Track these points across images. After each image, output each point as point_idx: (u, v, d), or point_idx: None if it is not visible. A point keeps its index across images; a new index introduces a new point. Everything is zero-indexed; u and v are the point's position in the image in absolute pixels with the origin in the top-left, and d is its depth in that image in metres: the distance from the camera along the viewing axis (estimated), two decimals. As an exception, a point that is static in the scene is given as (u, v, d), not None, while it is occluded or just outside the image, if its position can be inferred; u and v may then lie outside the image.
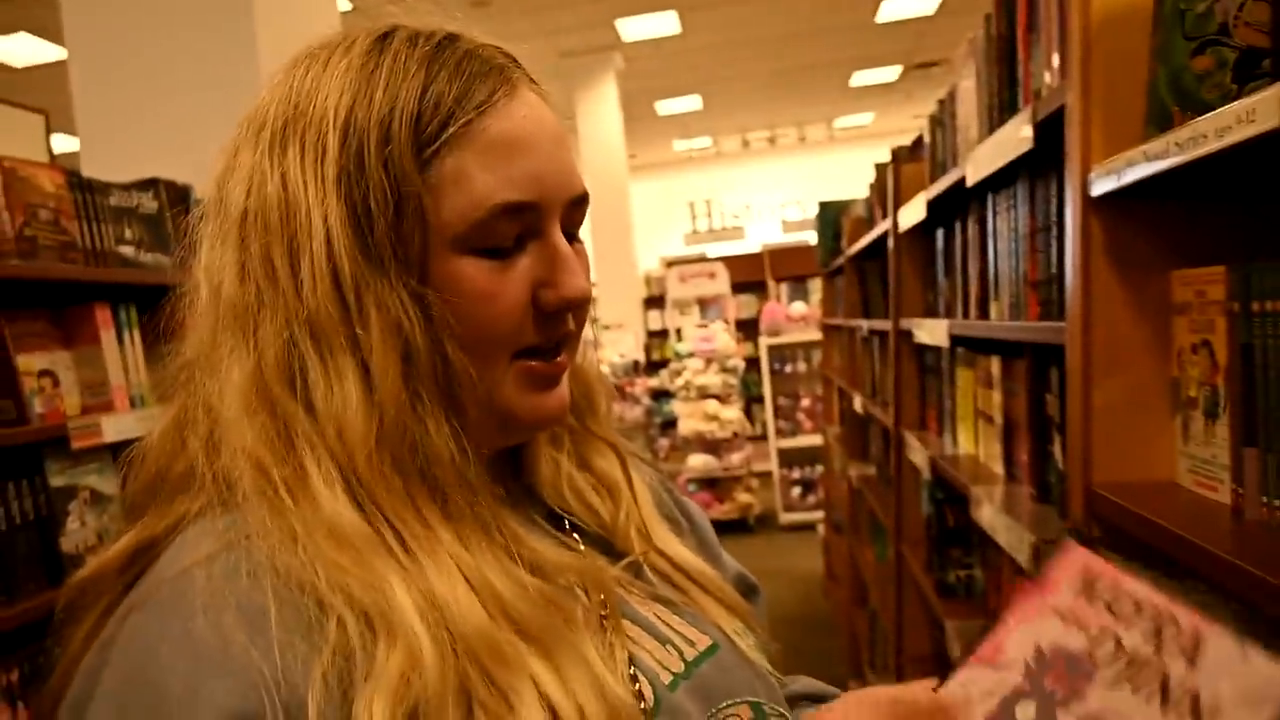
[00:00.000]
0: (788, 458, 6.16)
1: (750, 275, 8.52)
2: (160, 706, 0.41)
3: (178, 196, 1.87)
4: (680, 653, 0.57)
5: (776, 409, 6.35)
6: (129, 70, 2.14)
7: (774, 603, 3.50)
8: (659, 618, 0.58)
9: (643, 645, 0.55)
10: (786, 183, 12.66)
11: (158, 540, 0.50)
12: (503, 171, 0.51)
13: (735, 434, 6.05)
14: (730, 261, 7.96)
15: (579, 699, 0.46)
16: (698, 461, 6.03)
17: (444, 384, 0.50)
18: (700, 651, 0.58)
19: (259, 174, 0.50)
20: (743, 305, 8.45)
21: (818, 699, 0.71)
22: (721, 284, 7.31)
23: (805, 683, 0.74)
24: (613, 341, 7.12)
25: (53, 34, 5.71)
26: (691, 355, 6.28)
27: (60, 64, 2.19)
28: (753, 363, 6.92)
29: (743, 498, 6.03)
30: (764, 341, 6.30)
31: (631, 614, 0.57)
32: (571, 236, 0.56)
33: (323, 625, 0.43)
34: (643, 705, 0.51)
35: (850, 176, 10.54)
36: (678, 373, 6.31)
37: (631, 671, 0.53)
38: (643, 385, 6.89)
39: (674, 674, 0.55)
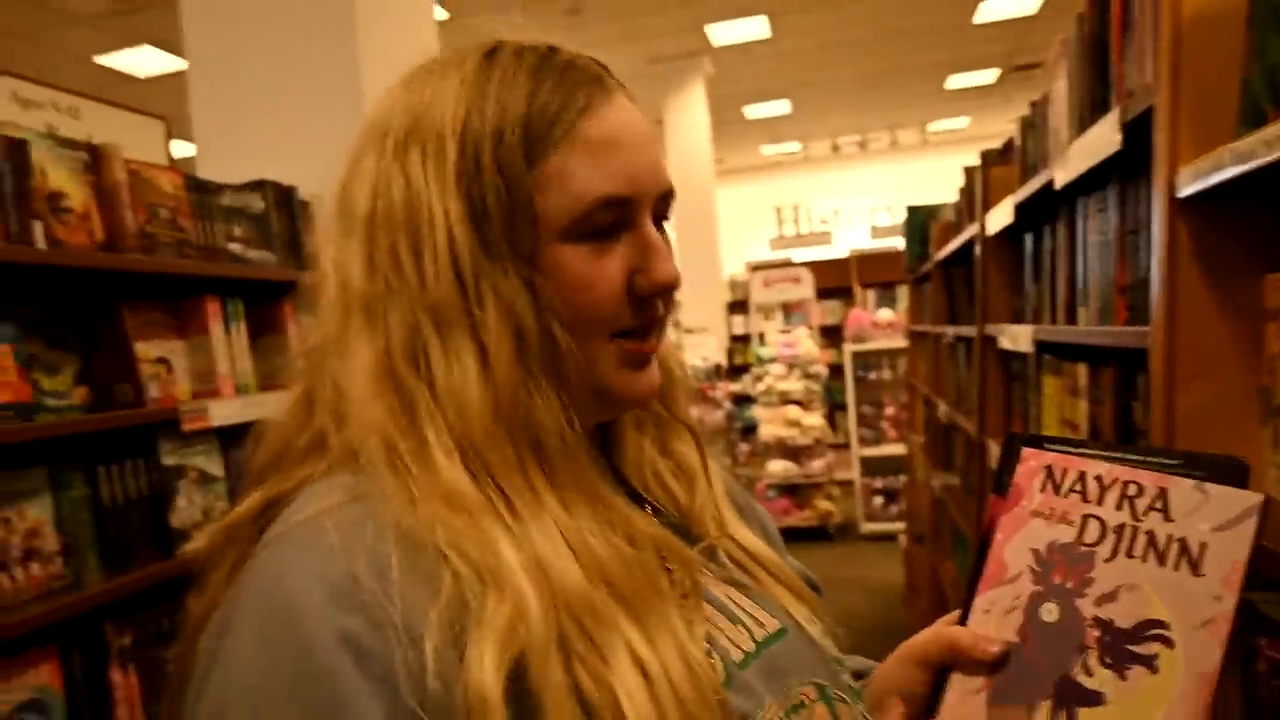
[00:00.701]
0: (870, 466, 6.05)
1: (836, 281, 8.41)
2: (296, 624, 0.45)
3: (283, 197, 1.98)
4: (751, 633, 0.59)
5: (860, 417, 6.25)
6: (242, 81, 2.27)
7: (853, 612, 3.49)
8: (731, 599, 0.61)
9: (716, 624, 0.58)
10: (877, 188, 12.44)
11: (286, 495, 0.54)
12: (602, 168, 0.56)
13: (817, 441, 5.98)
14: (816, 267, 7.86)
15: (665, 660, 0.49)
16: (778, 467, 5.98)
17: (552, 362, 0.55)
18: (770, 633, 0.60)
19: (384, 177, 0.56)
20: (828, 311, 8.35)
21: (868, 674, 0.72)
22: (806, 289, 7.24)
23: (858, 661, 0.75)
24: (695, 345, 7.13)
25: (174, 47, 6.07)
26: (774, 360, 6.24)
27: (180, 75, 2.34)
28: (837, 369, 6.83)
29: (823, 505, 5.96)
30: (848, 348, 6.22)
31: (707, 594, 0.60)
32: (659, 227, 0.60)
33: (439, 577, 0.47)
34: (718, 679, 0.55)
35: (943, 181, 10.32)
36: (759, 378, 6.28)
37: (706, 648, 0.55)
38: (724, 389, 6.88)
39: (745, 652, 0.57)
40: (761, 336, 7.00)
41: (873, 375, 6.28)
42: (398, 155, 0.56)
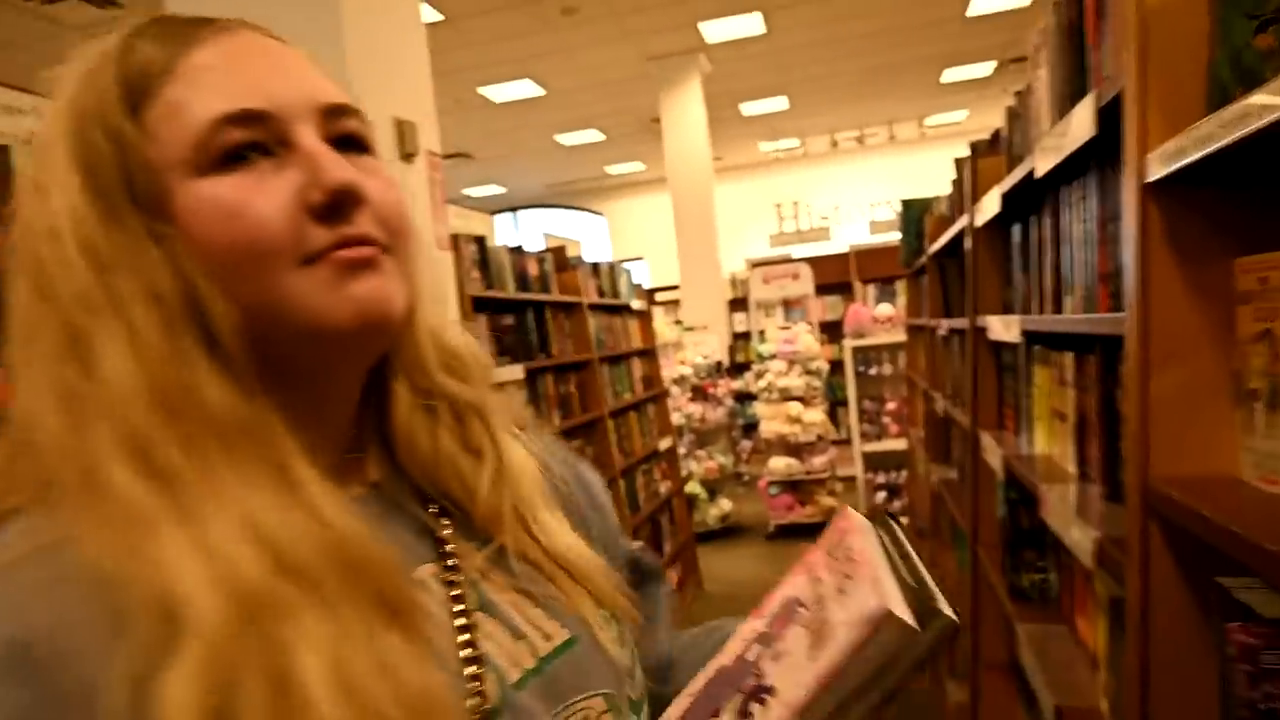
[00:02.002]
0: (872, 462, 6.05)
1: (836, 277, 8.41)
2: None
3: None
4: (534, 648, 0.56)
5: (861, 412, 6.24)
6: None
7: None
8: (517, 609, 0.57)
9: (495, 639, 0.55)
10: (875, 182, 12.44)
11: None
12: (218, 88, 0.51)
13: (819, 437, 5.98)
14: (816, 263, 7.87)
15: (359, 672, 0.44)
16: (780, 464, 5.98)
17: (202, 326, 0.49)
18: (557, 645, 0.57)
19: (19, 196, 0.51)
20: (828, 307, 8.35)
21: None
22: (805, 285, 7.24)
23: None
24: (696, 343, 7.14)
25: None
26: (774, 357, 6.23)
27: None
28: (838, 365, 6.82)
29: (825, 501, 5.95)
30: (848, 344, 6.21)
31: (488, 605, 0.56)
32: (352, 147, 0.54)
33: (126, 616, 0.42)
34: (486, 704, 0.51)
35: (941, 175, 10.30)
36: (760, 375, 6.28)
37: (475, 670, 0.52)
38: (726, 387, 6.88)
39: (525, 670, 0.54)
40: (762, 334, 7.00)
41: (873, 370, 6.28)
42: (28, 169, 0.52)
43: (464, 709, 0.50)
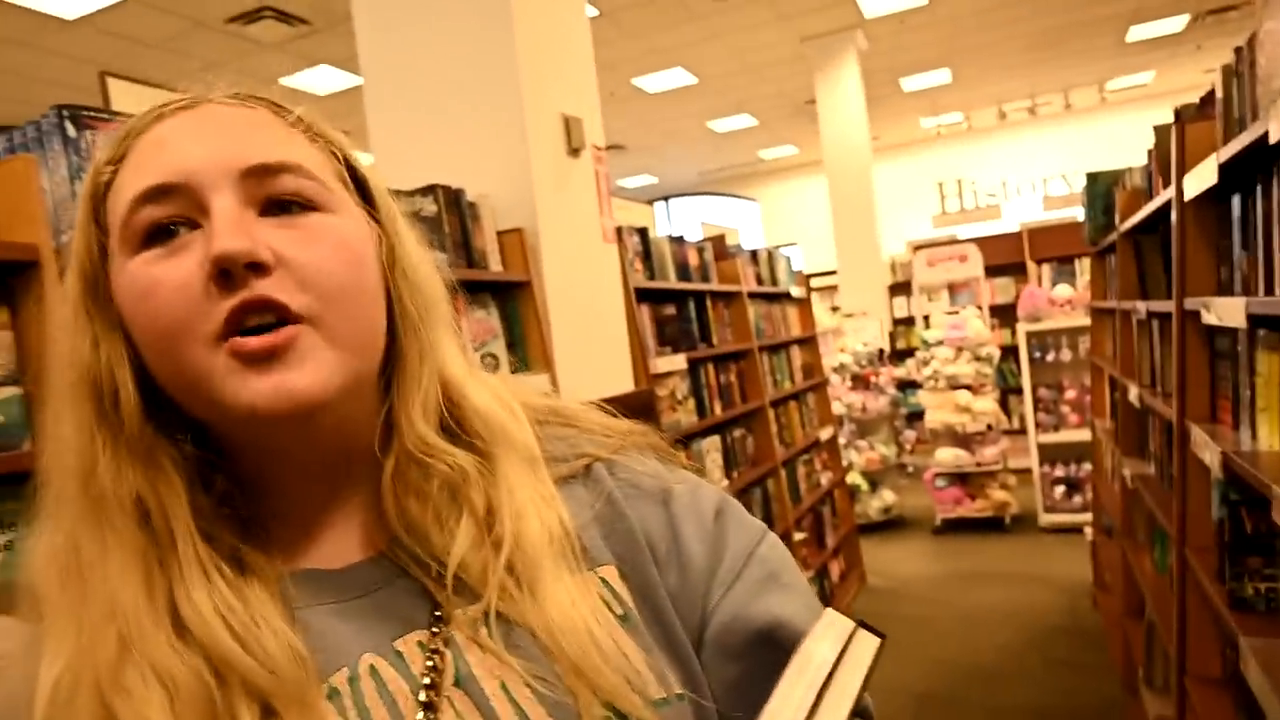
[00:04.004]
0: (1049, 453, 5.68)
1: (1007, 257, 7.92)
2: None
3: (453, 199, 2.08)
4: None
5: (1037, 401, 5.87)
6: (412, 93, 2.40)
7: (1034, 611, 3.30)
8: (502, 688, 0.52)
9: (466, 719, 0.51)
10: (1049, 155, 11.65)
11: None
12: (141, 170, 0.51)
13: (989, 427, 5.67)
14: (984, 243, 7.44)
15: None
16: (947, 455, 5.72)
17: (113, 406, 0.51)
18: None
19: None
20: (998, 289, 7.89)
21: None
22: (974, 267, 6.88)
23: None
24: (855, 329, 6.94)
25: (349, 65, 6.51)
26: (940, 343, 5.96)
27: (355, 90, 2.50)
28: (1010, 351, 6.45)
29: (997, 495, 5.65)
30: (1022, 328, 5.85)
31: (467, 681, 0.52)
32: (288, 208, 0.52)
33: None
34: None
35: (1126, 144, 9.51)
36: (925, 362, 6.02)
37: None
38: (888, 375, 6.66)
39: None
40: (926, 319, 6.71)
41: (1051, 356, 5.88)
42: None
43: None
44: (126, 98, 1.66)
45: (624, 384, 2.63)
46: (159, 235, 0.50)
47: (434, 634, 0.53)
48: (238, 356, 0.49)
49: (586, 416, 0.66)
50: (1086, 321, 4.81)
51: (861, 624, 0.48)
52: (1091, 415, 4.49)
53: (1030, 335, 5.78)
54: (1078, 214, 9.31)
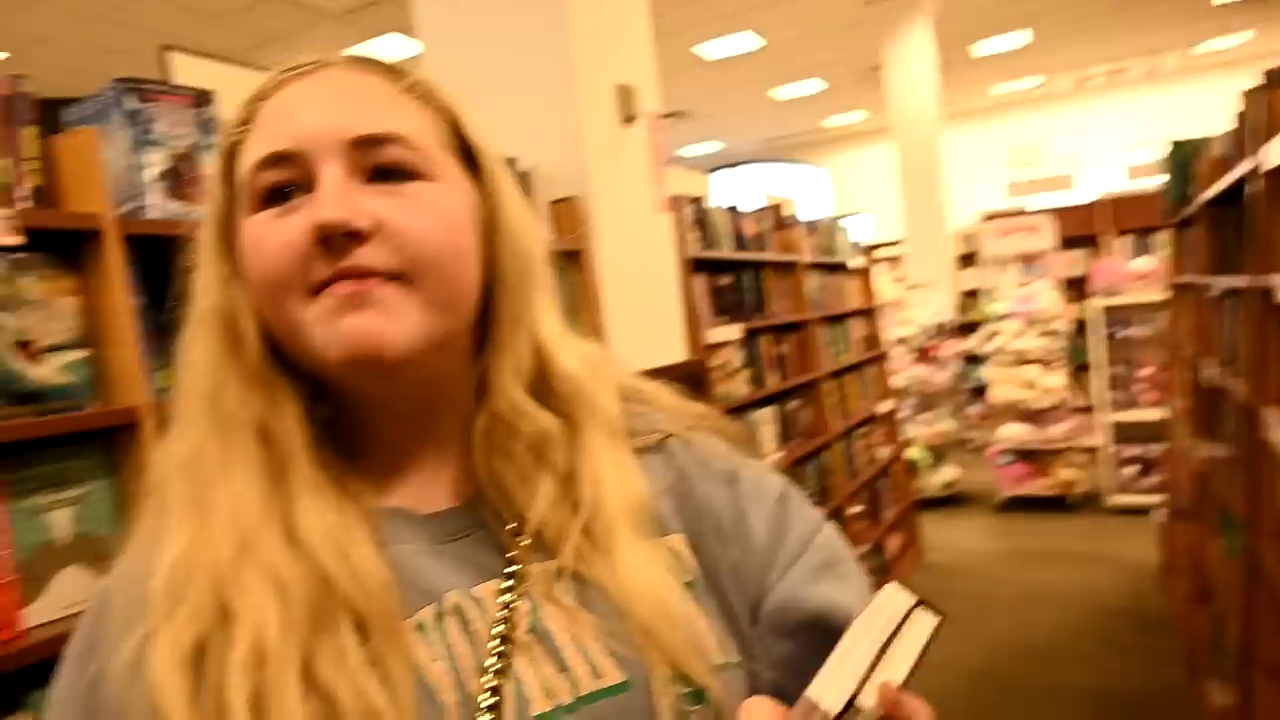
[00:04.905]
0: (1121, 432, 5.48)
1: (1080, 229, 7.62)
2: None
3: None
4: (577, 683, 0.53)
5: (1111, 378, 5.67)
6: (469, 62, 2.41)
7: (1097, 593, 3.21)
8: (574, 641, 0.55)
9: (536, 666, 0.54)
10: (1131, 123, 11.14)
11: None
12: (264, 136, 0.55)
13: (1058, 404, 5.51)
14: (1058, 213, 7.16)
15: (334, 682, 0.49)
16: (1012, 432, 5.58)
17: (236, 339, 0.56)
18: (604, 687, 0.54)
19: None
20: (1072, 262, 7.60)
21: None
22: (1046, 238, 6.64)
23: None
24: (920, 301, 6.78)
25: (414, 32, 6.55)
26: (1008, 317, 5.79)
27: (418, 58, 2.53)
28: (1082, 325, 6.22)
29: (1064, 474, 5.50)
30: (1096, 303, 5.64)
31: (542, 631, 0.55)
32: (391, 176, 0.56)
33: (138, 610, 0.52)
34: None
35: (1217, 112, 9.04)
36: (992, 335, 5.86)
37: (492, 700, 0.52)
38: (952, 348, 6.51)
39: (558, 704, 0.53)
40: (995, 291, 6.52)
41: (1126, 333, 5.66)
42: None
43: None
44: (188, 70, 1.70)
45: (676, 353, 2.62)
46: (276, 196, 0.55)
47: (510, 586, 0.56)
48: (333, 299, 0.53)
49: (663, 396, 0.69)
50: (1165, 297, 4.61)
51: (922, 602, 0.49)
52: (1168, 394, 4.32)
53: (1107, 310, 5.57)
54: (1156, 185, 8.91)
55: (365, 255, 0.53)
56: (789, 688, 0.55)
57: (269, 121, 0.56)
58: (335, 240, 0.52)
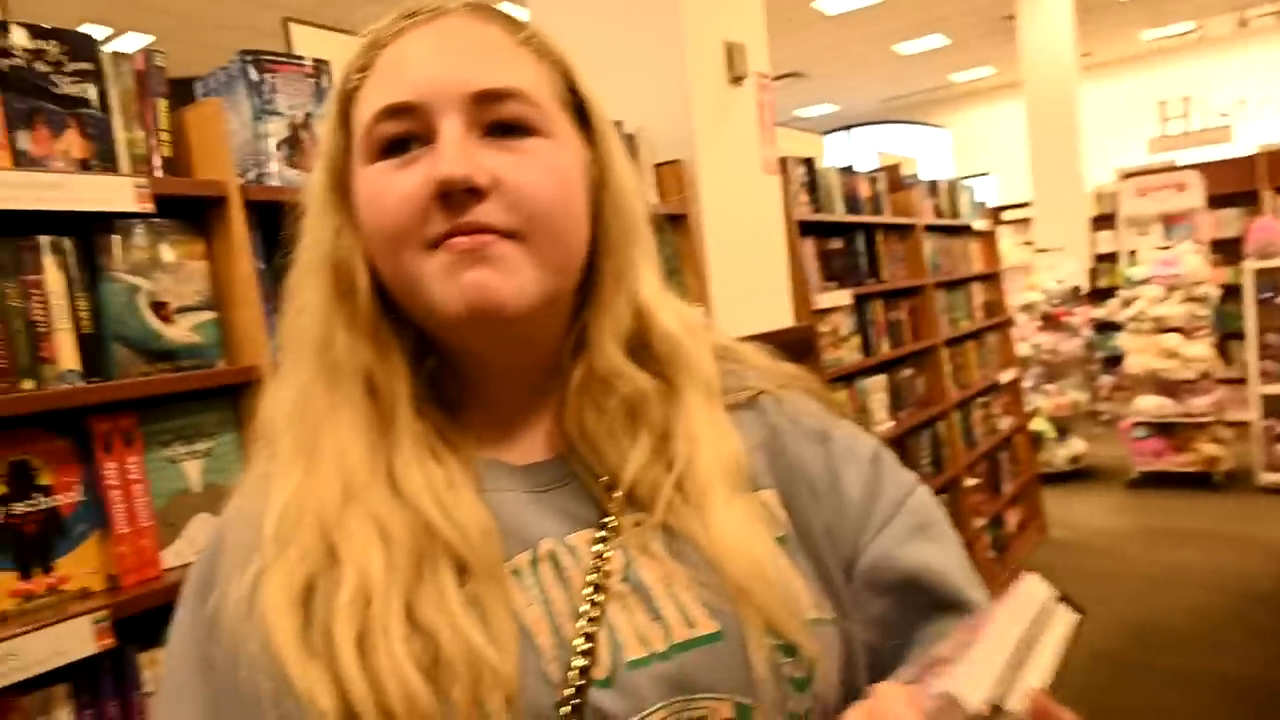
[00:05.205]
0: (1274, 406, 5.07)
1: (1236, 185, 7.01)
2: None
3: (609, 133, 2.09)
4: (670, 631, 0.54)
5: (1263, 347, 5.23)
6: (576, 22, 2.40)
7: (1239, 575, 3.02)
8: (668, 591, 0.55)
9: (630, 613, 0.54)
10: (1300, 67, 10.13)
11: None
12: (386, 84, 0.55)
13: (1202, 375, 5.13)
14: (1208, 170, 6.61)
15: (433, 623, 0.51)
16: (1149, 404, 5.25)
17: (349, 289, 0.57)
18: (697, 636, 0.54)
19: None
20: (1224, 222, 7.01)
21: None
22: (1193, 197, 6.15)
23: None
24: (1049, 266, 6.42)
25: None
26: (1146, 281, 5.42)
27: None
28: (1233, 291, 5.76)
29: (1207, 449, 5.13)
30: (1249, 265, 5.19)
31: (636, 580, 0.55)
32: (509, 131, 0.55)
33: (250, 551, 0.54)
34: (595, 673, 0.52)
35: (1401, 49, 8.09)
36: (1128, 301, 5.50)
37: (587, 645, 0.52)
38: (1084, 315, 6.15)
39: (652, 651, 0.53)
40: (1133, 254, 6.10)
41: (1282, 298, 5.20)
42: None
43: (538, 672, 0.52)
44: (307, 42, 1.77)
45: (783, 319, 2.58)
46: (395, 147, 0.55)
47: (603, 537, 0.57)
48: (452, 253, 0.53)
49: (755, 356, 0.69)
50: (1329, 258, 4.20)
51: (1063, 597, 0.47)
52: (1328, 365, 3.94)
53: (1260, 274, 5.13)
54: (1331, 134, 8.06)
55: (484, 212, 0.53)
56: (882, 647, 0.59)
57: (388, 71, 0.56)
58: (455, 196, 0.53)
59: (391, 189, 0.54)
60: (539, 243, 0.55)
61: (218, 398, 1.31)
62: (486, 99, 0.55)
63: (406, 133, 0.55)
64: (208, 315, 1.31)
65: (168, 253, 1.27)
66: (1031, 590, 0.46)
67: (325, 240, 0.58)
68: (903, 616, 0.60)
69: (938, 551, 0.61)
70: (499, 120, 0.55)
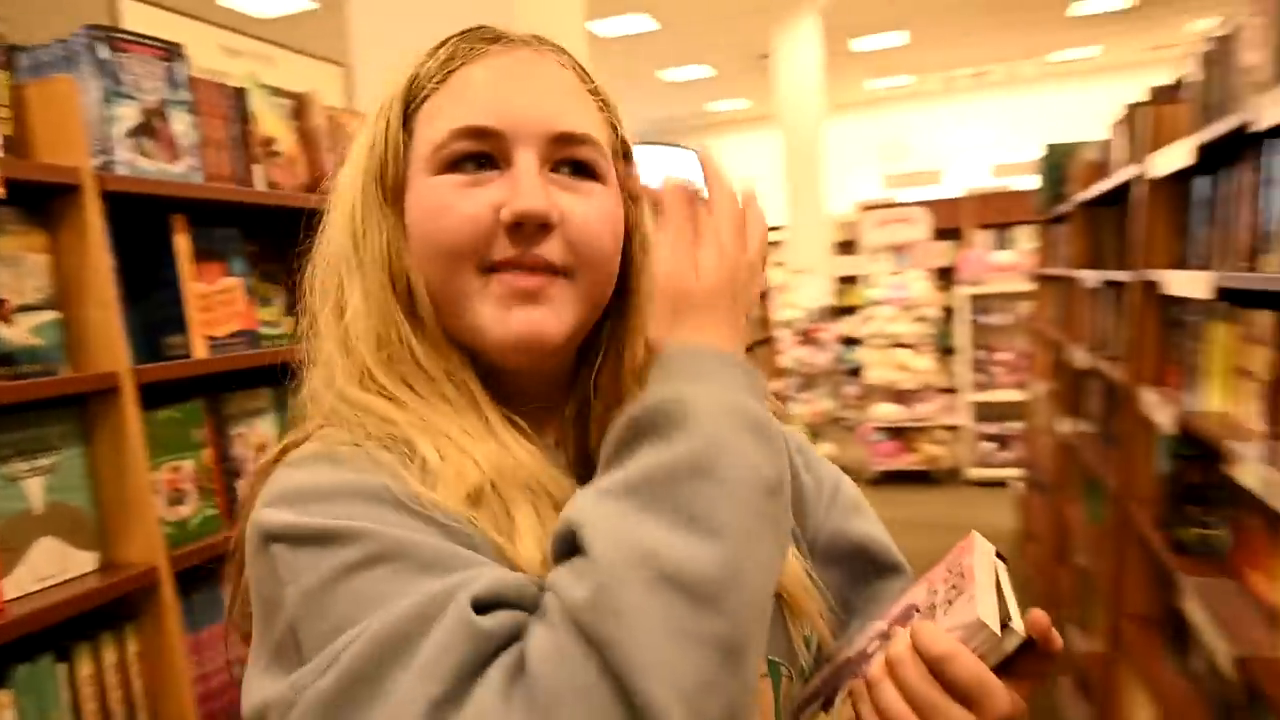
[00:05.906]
0: (982, 412, 5.96)
1: (946, 222, 8.15)
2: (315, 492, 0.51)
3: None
4: None
5: (975, 362, 6.13)
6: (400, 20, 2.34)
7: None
8: None
9: None
10: (992, 123, 11.93)
11: (298, 443, 0.58)
12: (467, 102, 0.57)
13: (926, 385, 5.91)
14: (928, 206, 7.63)
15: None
16: (885, 410, 5.96)
17: (408, 297, 0.58)
18: None
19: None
20: (940, 252, 8.10)
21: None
22: (920, 230, 7.07)
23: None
24: (800, 285, 7.09)
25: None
26: (883, 302, 6.16)
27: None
28: (950, 313, 6.69)
29: (929, 449, 5.93)
30: (963, 291, 6.08)
31: None
32: (577, 172, 0.59)
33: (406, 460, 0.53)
34: None
35: (1069, 115, 9.75)
36: (868, 320, 6.22)
37: None
38: (832, 331, 6.85)
39: None
40: (870, 278, 6.90)
41: (988, 319, 6.13)
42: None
43: None
44: (139, 20, 1.61)
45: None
46: (463, 163, 0.57)
47: None
48: (506, 287, 0.56)
49: None
50: (1026, 287, 5.03)
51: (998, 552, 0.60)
52: (1026, 376, 4.72)
53: (973, 299, 6.01)
54: (1017, 183, 9.60)
55: (547, 249, 0.56)
56: (834, 608, 0.69)
57: (470, 90, 0.57)
58: (527, 227, 0.55)
59: (458, 206, 0.56)
60: (586, 281, 0.58)
61: (63, 408, 1.18)
62: (564, 140, 0.58)
63: (479, 153, 0.57)
64: (50, 315, 1.17)
65: (5, 244, 1.13)
66: (982, 546, 0.60)
67: (374, 242, 0.58)
68: (851, 582, 0.72)
69: (873, 524, 0.74)
70: (570, 160, 0.58)
